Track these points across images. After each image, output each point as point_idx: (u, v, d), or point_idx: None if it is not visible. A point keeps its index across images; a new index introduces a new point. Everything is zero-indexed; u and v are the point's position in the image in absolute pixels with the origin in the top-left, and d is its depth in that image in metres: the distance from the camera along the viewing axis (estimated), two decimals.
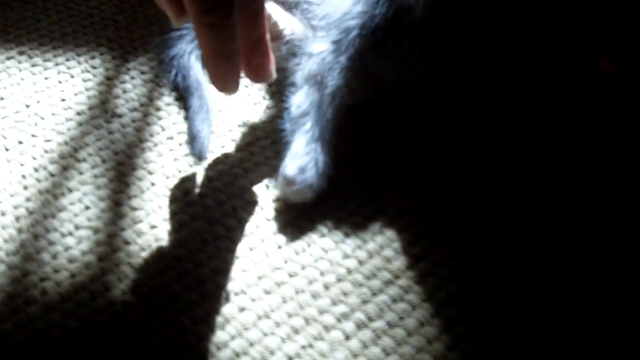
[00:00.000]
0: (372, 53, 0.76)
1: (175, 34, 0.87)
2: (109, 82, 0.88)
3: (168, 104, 0.86)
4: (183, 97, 0.84)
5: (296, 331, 0.65)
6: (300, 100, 0.74)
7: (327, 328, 0.65)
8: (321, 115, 0.73)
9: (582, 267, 0.69)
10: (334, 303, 0.67)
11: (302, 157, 0.72)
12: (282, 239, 0.72)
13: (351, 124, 0.82)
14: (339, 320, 0.66)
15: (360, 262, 0.70)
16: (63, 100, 0.86)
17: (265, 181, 0.77)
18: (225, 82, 0.65)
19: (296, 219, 0.73)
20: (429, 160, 0.79)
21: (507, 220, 0.74)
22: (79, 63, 0.91)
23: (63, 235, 0.72)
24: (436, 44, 0.77)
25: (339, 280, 0.69)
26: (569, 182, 0.76)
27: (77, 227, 0.73)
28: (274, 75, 0.68)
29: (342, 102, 0.75)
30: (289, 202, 0.74)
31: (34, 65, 0.91)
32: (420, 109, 0.81)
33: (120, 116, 0.84)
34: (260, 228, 0.73)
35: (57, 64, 0.91)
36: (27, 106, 0.85)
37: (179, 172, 0.78)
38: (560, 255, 0.70)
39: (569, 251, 0.71)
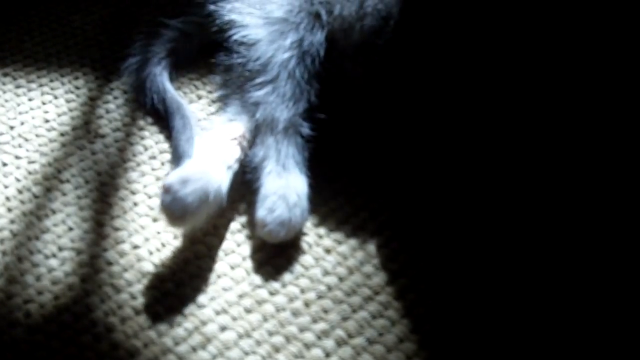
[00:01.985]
0: (315, 78, 0.77)
1: (142, 57, 0.88)
2: (92, 103, 0.89)
3: (150, 123, 0.86)
4: (164, 117, 0.84)
5: (277, 349, 0.66)
6: (256, 149, 0.76)
7: (307, 346, 0.66)
8: (279, 153, 0.74)
9: (564, 284, 0.70)
10: (315, 320, 0.68)
11: (269, 197, 0.72)
12: (263, 256, 0.73)
13: (331, 141, 0.83)
14: (319, 337, 0.67)
15: (341, 279, 0.71)
16: (47, 121, 0.87)
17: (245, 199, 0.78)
18: None
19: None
20: (408, 177, 0.80)
21: (487, 235, 0.74)
22: (63, 84, 0.92)
23: (47, 257, 0.73)
24: (378, 65, 0.78)
25: (320, 297, 0.70)
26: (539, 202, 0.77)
27: (60, 249, 0.74)
28: None
29: (301, 127, 0.76)
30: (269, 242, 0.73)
31: (18, 86, 0.92)
32: (398, 127, 0.82)
33: (103, 136, 0.85)
34: (242, 246, 0.73)
35: (41, 85, 0.92)
36: (11, 128, 0.86)
37: None
38: (541, 270, 0.71)
39: (548, 267, 0.71)
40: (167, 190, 0.69)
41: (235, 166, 0.75)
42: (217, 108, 0.86)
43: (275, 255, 0.73)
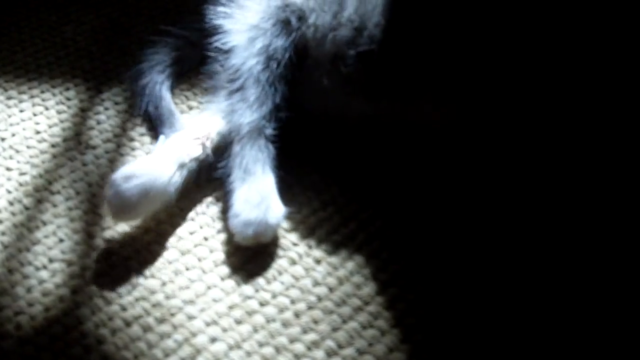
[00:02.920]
0: (281, 81, 0.78)
1: (146, 65, 0.88)
2: (83, 114, 0.89)
3: (141, 135, 0.87)
4: (155, 126, 0.85)
5: None
6: (224, 162, 0.77)
7: (297, 357, 0.66)
8: (242, 158, 0.75)
9: (557, 295, 0.71)
10: (305, 331, 0.68)
11: (234, 204, 0.73)
12: (253, 268, 0.73)
13: (321, 151, 0.83)
14: (309, 348, 0.67)
15: (331, 289, 0.71)
16: (38, 132, 0.87)
17: None
18: None
19: (266, 247, 0.74)
20: (397, 187, 0.80)
21: (478, 244, 0.75)
22: (54, 95, 0.92)
23: (37, 268, 0.73)
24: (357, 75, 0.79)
25: (310, 308, 0.70)
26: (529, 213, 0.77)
27: (51, 261, 0.74)
28: None
29: (266, 128, 0.77)
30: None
31: (9, 98, 0.92)
32: (389, 137, 0.83)
33: (94, 147, 0.85)
34: (232, 258, 0.74)
35: (32, 97, 0.92)
36: (3, 139, 0.86)
37: None
38: (534, 279, 0.72)
39: (541, 276, 0.72)
40: (110, 184, 0.72)
41: (192, 164, 0.76)
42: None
43: (265, 267, 0.73)
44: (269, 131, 0.77)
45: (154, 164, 0.74)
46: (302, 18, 0.79)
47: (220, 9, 0.82)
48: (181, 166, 0.75)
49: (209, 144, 0.77)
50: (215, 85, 0.82)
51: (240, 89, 0.77)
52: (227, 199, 0.75)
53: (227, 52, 0.80)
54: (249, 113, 0.76)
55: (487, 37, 0.75)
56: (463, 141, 0.80)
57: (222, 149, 0.78)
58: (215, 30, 0.82)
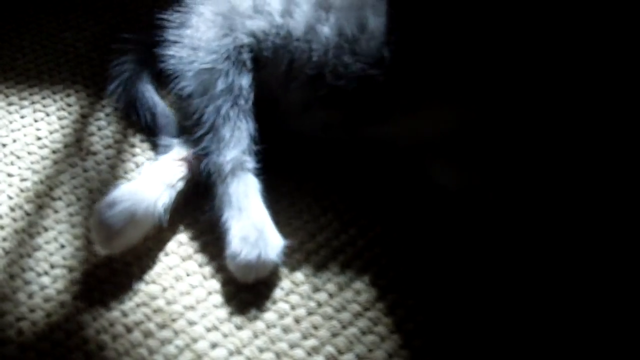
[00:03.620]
0: (250, 115, 0.77)
1: (124, 76, 0.89)
2: (84, 120, 0.90)
3: (142, 141, 0.87)
4: (155, 134, 0.85)
5: None
6: (211, 204, 0.75)
7: None
8: (231, 197, 0.73)
9: (553, 302, 0.71)
10: (305, 337, 0.69)
11: (231, 243, 0.71)
12: None
13: (320, 158, 0.84)
14: (309, 354, 0.67)
15: (331, 295, 0.72)
16: (39, 138, 0.87)
17: None
18: None
19: None
20: (397, 193, 0.81)
21: (476, 250, 0.75)
22: (55, 101, 0.92)
23: (39, 274, 0.73)
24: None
25: (310, 313, 0.70)
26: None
27: (52, 266, 0.74)
28: None
29: (248, 162, 0.76)
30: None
31: (10, 104, 0.92)
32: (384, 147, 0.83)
33: (95, 153, 0.85)
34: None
35: (33, 102, 0.92)
36: (4, 145, 0.87)
37: None
38: (533, 284, 0.72)
39: (540, 280, 0.72)
40: (94, 213, 0.71)
41: (180, 184, 0.76)
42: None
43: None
44: (250, 164, 0.75)
45: (139, 188, 0.73)
46: (258, 63, 0.78)
47: (169, 51, 0.80)
48: (169, 187, 0.75)
49: (194, 163, 0.77)
50: (182, 127, 0.81)
51: (210, 130, 0.75)
52: (222, 238, 0.73)
53: (185, 98, 0.78)
54: (227, 151, 0.75)
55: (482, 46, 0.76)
56: (461, 146, 0.80)
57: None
58: (170, 76, 0.80)
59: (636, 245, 0.74)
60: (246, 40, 0.78)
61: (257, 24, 0.78)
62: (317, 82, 0.78)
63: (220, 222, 0.73)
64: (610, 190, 0.77)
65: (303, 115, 0.80)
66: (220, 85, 0.76)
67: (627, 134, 0.77)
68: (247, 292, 0.72)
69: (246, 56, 0.78)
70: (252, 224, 0.72)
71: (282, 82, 0.79)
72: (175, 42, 0.81)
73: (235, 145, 0.75)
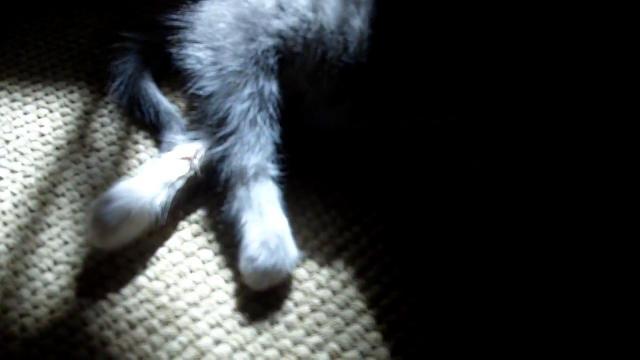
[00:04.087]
0: (277, 122, 0.77)
1: (126, 75, 0.89)
2: (87, 117, 0.90)
3: (146, 138, 0.87)
4: (159, 131, 0.85)
5: None
6: (229, 204, 0.74)
7: (301, 359, 0.67)
8: (252, 201, 0.73)
9: (559, 298, 0.71)
10: (308, 334, 0.69)
11: (249, 246, 0.70)
12: None
13: (324, 155, 0.84)
14: (313, 351, 0.67)
15: (334, 293, 0.72)
16: (42, 135, 0.87)
17: None
18: None
19: None
20: (401, 190, 0.81)
21: (480, 248, 0.75)
22: (58, 98, 0.92)
23: (42, 271, 0.73)
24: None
25: (313, 310, 0.70)
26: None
27: (56, 263, 0.74)
28: None
29: (270, 170, 0.75)
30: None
31: (13, 100, 0.92)
32: (390, 142, 0.83)
33: (98, 150, 0.85)
34: (237, 260, 0.74)
35: (36, 99, 0.92)
36: (7, 142, 0.87)
37: None
38: (536, 281, 0.72)
39: (543, 278, 0.72)
40: (90, 210, 0.72)
41: (180, 183, 0.76)
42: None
43: None
44: (273, 172, 0.75)
45: (136, 186, 0.73)
46: (285, 62, 0.78)
47: (189, 52, 0.80)
48: (168, 185, 0.75)
49: (196, 163, 0.77)
50: (199, 128, 0.80)
51: (234, 132, 0.75)
52: (238, 239, 0.72)
53: (206, 98, 0.78)
54: (252, 155, 0.74)
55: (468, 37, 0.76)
56: (465, 143, 0.80)
57: (211, 170, 0.77)
58: (188, 76, 0.80)
59: (636, 245, 0.74)
60: (272, 42, 0.78)
61: (285, 22, 0.78)
62: (349, 73, 0.78)
63: (239, 225, 0.72)
64: (610, 189, 0.77)
65: (330, 107, 0.80)
66: (249, 89, 0.76)
67: (628, 131, 0.77)
68: (251, 287, 0.72)
69: (273, 60, 0.77)
70: (273, 231, 0.71)
71: (312, 76, 0.79)
72: (193, 42, 0.80)
73: (260, 151, 0.75)
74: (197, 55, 0.79)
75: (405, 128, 0.82)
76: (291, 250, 0.71)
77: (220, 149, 0.75)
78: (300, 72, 0.79)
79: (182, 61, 0.81)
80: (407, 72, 0.77)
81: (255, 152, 0.74)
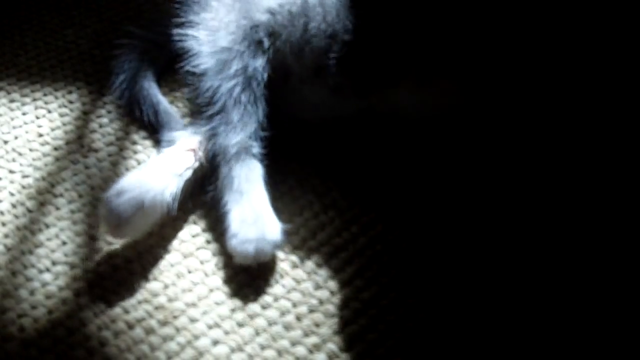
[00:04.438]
0: (262, 100, 0.78)
1: (128, 73, 0.89)
2: (85, 117, 0.90)
3: (144, 138, 0.87)
4: (157, 131, 0.85)
5: None
6: (216, 183, 0.76)
7: None
8: (233, 180, 0.74)
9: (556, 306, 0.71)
10: (306, 334, 0.69)
11: (231, 225, 0.72)
12: (255, 270, 0.73)
13: (321, 154, 0.84)
14: (311, 351, 0.67)
15: (332, 293, 0.72)
16: (40, 135, 0.87)
17: None
18: None
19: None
20: (399, 190, 0.81)
21: (478, 249, 0.75)
22: (57, 98, 0.92)
23: (40, 271, 0.73)
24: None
25: (311, 311, 0.70)
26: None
27: (54, 263, 0.74)
28: None
29: (253, 147, 0.76)
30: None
31: (12, 101, 0.92)
32: (388, 141, 0.83)
33: (96, 151, 0.85)
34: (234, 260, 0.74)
35: (34, 99, 0.92)
36: (5, 142, 0.87)
37: None
38: (534, 286, 0.72)
39: (542, 283, 0.72)
40: (103, 202, 0.72)
41: (187, 173, 0.76)
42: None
43: (267, 270, 0.73)
44: (256, 150, 0.76)
45: (146, 177, 0.74)
46: (273, 35, 0.79)
47: (187, 31, 0.82)
48: (176, 176, 0.75)
49: (201, 154, 0.77)
50: (193, 107, 0.82)
51: (220, 111, 0.77)
52: (222, 221, 0.73)
53: (200, 75, 0.79)
54: (234, 134, 0.76)
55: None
56: (461, 139, 0.80)
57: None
58: (184, 53, 0.81)
59: (636, 245, 0.74)
60: (263, 17, 0.79)
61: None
62: (330, 44, 0.78)
63: (221, 204, 0.74)
64: (610, 188, 0.77)
65: (315, 80, 0.80)
66: (235, 65, 0.77)
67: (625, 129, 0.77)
68: (249, 288, 0.72)
69: (262, 34, 0.79)
70: (251, 207, 0.73)
71: (297, 48, 0.79)
72: (194, 23, 0.82)
73: (243, 129, 0.76)
74: (196, 34, 0.81)
75: (392, 111, 0.81)
76: (271, 222, 0.72)
77: (207, 127, 0.77)
78: (286, 45, 0.80)
79: (181, 41, 0.82)
80: (388, 40, 0.78)
81: (237, 130, 0.76)
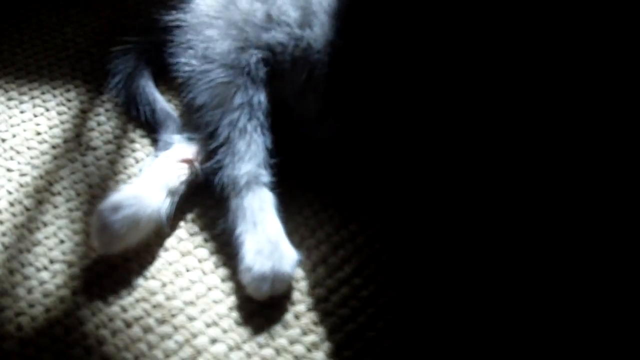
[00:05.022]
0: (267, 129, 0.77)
1: (125, 73, 0.89)
2: (83, 115, 0.90)
3: (142, 136, 0.87)
4: (155, 130, 0.85)
5: None
6: (226, 216, 0.74)
7: (297, 358, 0.67)
8: (245, 211, 0.73)
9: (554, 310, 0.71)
10: (305, 333, 0.69)
11: (245, 257, 0.70)
12: None
13: (321, 154, 0.84)
14: (309, 350, 0.67)
15: (330, 291, 0.72)
16: (38, 133, 0.87)
17: None
18: None
19: None
20: (398, 189, 0.81)
21: (477, 248, 0.75)
22: (55, 96, 0.92)
23: (38, 269, 0.73)
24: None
25: (309, 309, 0.70)
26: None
27: (52, 262, 0.74)
28: None
29: (262, 176, 0.75)
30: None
31: (9, 99, 0.92)
32: (388, 143, 0.83)
33: (94, 149, 0.85)
34: (233, 259, 0.74)
35: (32, 98, 0.92)
36: (3, 140, 0.86)
37: None
38: (533, 288, 0.72)
39: (540, 286, 0.72)
40: (97, 215, 0.71)
41: (181, 188, 0.76)
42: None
43: None
44: (266, 179, 0.75)
45: (143, 192, 0.73)
46: (275, 74, 0.78)
47: (182, 59, 0.80)
48: (171, 193, 0.75)
49: (197, 165, 0.77)
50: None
51: (225, 143, 0.75)
52: (235, 251, 0.72)
53: (198, 109, 0.77)
54: (242, 164, 0.74)
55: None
56: (461, 140, 0.80)
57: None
58: (181, 84, 0.80)
59: (636, 245, 0.74)
60: (262, 54, 0.77)
61: (274, 36, 0.78)
62: (334, 93, 0.78)
63: (234, 235, 0.72)
64: (610, 189, 0.77)
65: (318, 126, 0.80)
66: (238, 99, 0.76)
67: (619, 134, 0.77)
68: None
69: (262, 71, 0.77)
70: (266, 238, 0.70)
71: (299, 93, 0.79)
72: (186, 48, 0.80)
73: (251, 159, 0.74)
74: (190, 62, 0.79)
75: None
76: (287, 252, 0.70)
77: (212, 161, 0.75)
78: (288, 87, 0.79)
79: (177, 70, 0.81)
80: (390, 91, 0.77)
81: (245, 160, 0.74)
